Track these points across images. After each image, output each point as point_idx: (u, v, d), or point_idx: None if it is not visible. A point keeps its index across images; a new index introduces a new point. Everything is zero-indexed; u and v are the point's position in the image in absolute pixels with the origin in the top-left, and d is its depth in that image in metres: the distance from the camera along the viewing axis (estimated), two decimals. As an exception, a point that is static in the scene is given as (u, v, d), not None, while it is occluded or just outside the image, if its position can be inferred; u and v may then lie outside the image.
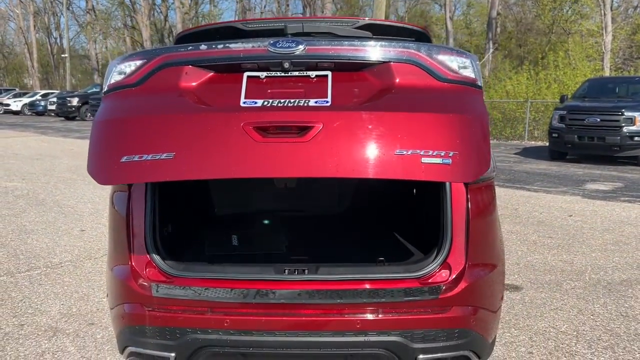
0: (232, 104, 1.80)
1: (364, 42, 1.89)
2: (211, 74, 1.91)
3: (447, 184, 1.95)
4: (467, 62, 1.88)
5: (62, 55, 46.32)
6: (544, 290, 3.74)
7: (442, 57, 1.87)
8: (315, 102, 1.78)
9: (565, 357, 2.79)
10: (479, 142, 1.71)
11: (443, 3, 36.31)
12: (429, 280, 1.89)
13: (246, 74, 1.88)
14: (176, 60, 1.90)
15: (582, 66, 20.09)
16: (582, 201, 7.04)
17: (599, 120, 10.64)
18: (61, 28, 51.84)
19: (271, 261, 2.25)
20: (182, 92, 1.86)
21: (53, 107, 28.13)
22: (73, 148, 13.24)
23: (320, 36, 2.44)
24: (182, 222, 2.59)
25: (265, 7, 45.55)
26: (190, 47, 1.92)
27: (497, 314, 2.10)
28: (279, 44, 1.84)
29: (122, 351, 2.06)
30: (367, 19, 2.84)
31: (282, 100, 1.78)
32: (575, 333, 3.07)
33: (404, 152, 1.65)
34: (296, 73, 1.88)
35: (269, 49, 1.84)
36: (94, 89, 27.78)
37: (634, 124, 10.35)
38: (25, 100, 33.30)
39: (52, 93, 33.15)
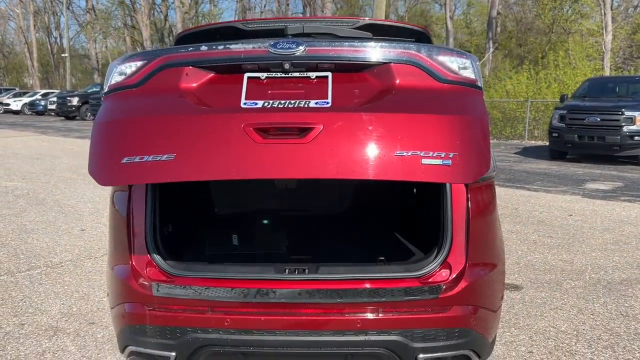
0: (233, 105, 1.80)
1: (364, 43, 1.89)
2: (211, 74, 1.91)
3: (448, 183, 1.95)
4: (467, 62, 1.88)
5: (62, 55, 46.32)
6: (544, 290, 3.75)
7: (442, 58, 1.87)
8: (316, 103, 1.78)
9: (565, 356, 2.79)
10: (479, 143, 1.71)
11: (443, 2, 36.33)
12: (429, 280, 1.89)
13: (247, 74, 1.88)
14: (177, 61, 1.90)
15: (582, 66, 20.09)
16: (582, 200, 7.04)
17: (599, 119, 10.63)
18: (61, 27, 51.95)
19: (271, 261, 2.25)
20: (183, 93, 1.86)
21: (53, 107, 28.10)
22: (73, 147, 13.24)
23: (321, 37, 2.44)
24: (183, 221, 2.59)
25: (265, 6, 45.56)
26: (191, 48, 1.92)
27: (497, 314, 2.11)
28: (280, 45, 1.84)
29: (122, 350, 2.06)
30: (367, 19, 2.84)
31: (282, 101, 1.78)
32: (575, 332, 3.07)
33: (404, 153, 1.65)
34: (296, 74, 1.88)
35: (270, 50, 1.84)
36: (94, 89, 27.73)
37: (634, 124, 10.35)
38: (25, 99, 33.25)
39: (52, 92, 33.11)
